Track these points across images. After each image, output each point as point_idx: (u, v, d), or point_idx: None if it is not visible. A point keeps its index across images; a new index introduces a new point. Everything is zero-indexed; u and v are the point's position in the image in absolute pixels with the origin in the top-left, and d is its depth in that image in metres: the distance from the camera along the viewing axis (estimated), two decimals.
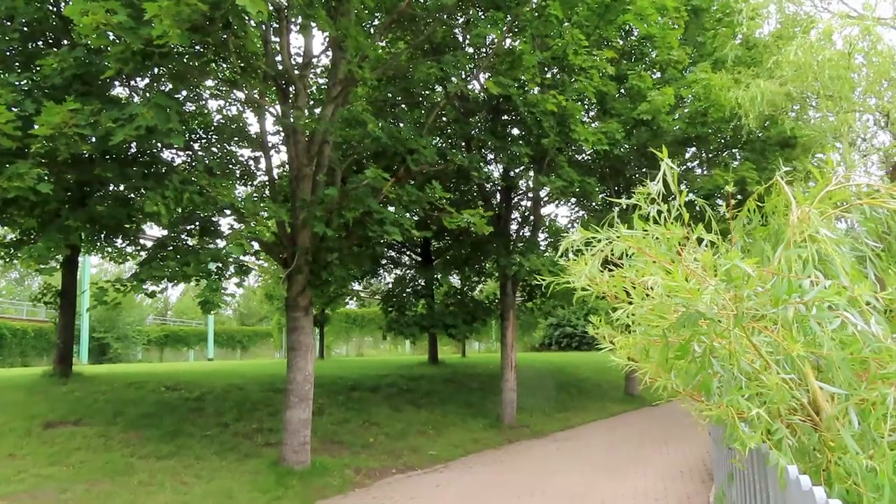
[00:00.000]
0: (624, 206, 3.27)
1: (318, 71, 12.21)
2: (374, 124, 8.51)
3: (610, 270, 2.79)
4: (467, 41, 11.52)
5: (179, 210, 7.97)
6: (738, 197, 12.29)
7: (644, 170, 16.08)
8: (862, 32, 11.96)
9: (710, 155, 17.22)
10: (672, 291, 2.33)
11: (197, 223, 9.06)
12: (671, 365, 2.48)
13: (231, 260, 8.46)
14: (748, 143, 15.10)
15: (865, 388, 2.20)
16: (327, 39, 9.81)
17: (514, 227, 14.20)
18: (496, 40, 10.22)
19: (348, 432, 11.65)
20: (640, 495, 8.25)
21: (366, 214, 8.67)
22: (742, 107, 12.45)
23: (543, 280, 2.99)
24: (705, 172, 16.46)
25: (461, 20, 10.87)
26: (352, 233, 9.44)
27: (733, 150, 16.59)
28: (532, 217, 14.30)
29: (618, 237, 2.54)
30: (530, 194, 14.26)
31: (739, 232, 3.53)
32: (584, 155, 14.53)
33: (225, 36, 7.33)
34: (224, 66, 9.48)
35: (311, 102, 11.54)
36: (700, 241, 2.74)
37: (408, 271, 17.85)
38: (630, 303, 2.48)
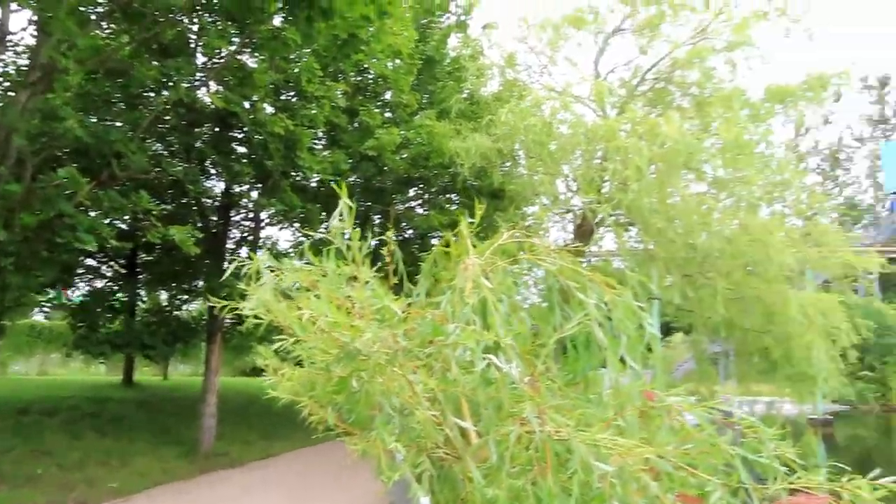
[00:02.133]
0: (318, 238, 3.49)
1: (20, 50, 10.85)
2: (76, 120, 7.82)
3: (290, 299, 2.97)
4: (199, 49, 11.16)
5: None
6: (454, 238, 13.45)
7: (369, 203, 16.83)
8: (561, 106, 14.02)
9: (431, 196, 18.61)
10: (334, 327, 2.58)
11: None
12: (329, 399, 2.72)
13: None
14: (464, 189, 16.65)
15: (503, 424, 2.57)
16: (31, 18, 8.81)
17: (232, 246, 13.86)
18: (228, 53, 10.07)
19: (11, 462, 10.25)
20: None
21: (57, 218, 7.88)
22: (459, 155, 13.80)
23: (227, 304, 3.06)
24: (426, 212, 17.74)
25: (196, 26, 10.51)
26: (38, 236, 8.49)
27: (451, 195, 18.13)
28: (252, 238, 14.13)
29: (286, 269, 2.75)
30: (251, 214, 14.10)
31: (426, 275, 3.93)
32: (311, 181, 14.80)
33: None
34: None
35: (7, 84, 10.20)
36: (369, 279, 3.05)
37: (109, 284, 16.35)
38: (292, 335, 2.69)
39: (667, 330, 26.15)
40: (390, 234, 3.53)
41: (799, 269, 14.29)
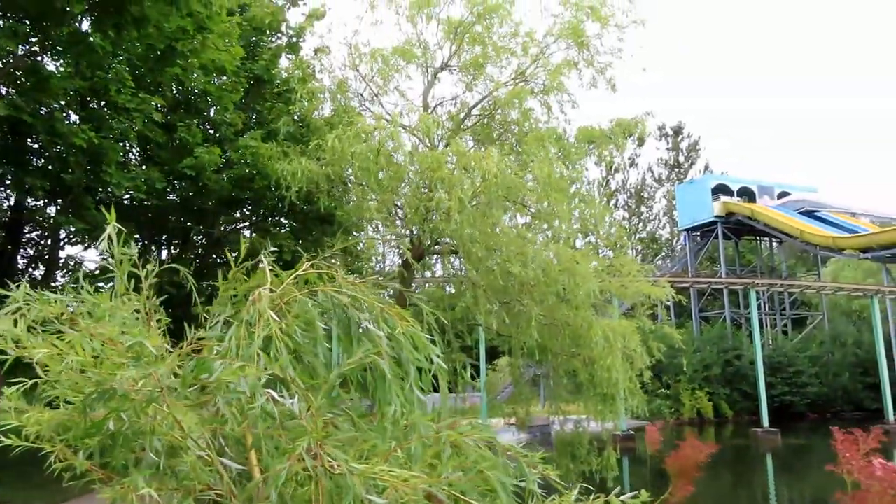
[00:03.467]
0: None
1: None
2: None
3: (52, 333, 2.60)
4: None
5: None
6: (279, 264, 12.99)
7: (189, 223, 15.87)
8: (389, 135, 14.09)
9: (259, 219, 17.94)
10: (84, 365, 2.28)
11: None
12: (83, 443, 2.40)
13: None
14: (292, 213, 16.21)
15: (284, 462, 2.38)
16: None
17: (22, 264, 12.41)
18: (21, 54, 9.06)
19: None
20: None
21: None
22: (286, 178, 13.40)
23: None
24: (252, 235, 17.05)
25: None
26: None
27: (279, 219, 17.60)
28: (48, 257, 12.75)
29: (37, 300, 2.40)
30: (47, 233, 12.75)
31: (223, 304, 3.64)
32: (124, 199, 13.71)
33: None
34: None
35: None
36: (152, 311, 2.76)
37: None
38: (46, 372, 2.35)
39: (493, 354, 27.07)
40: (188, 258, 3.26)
41: (606, 298, 15.39)
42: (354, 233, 16.46)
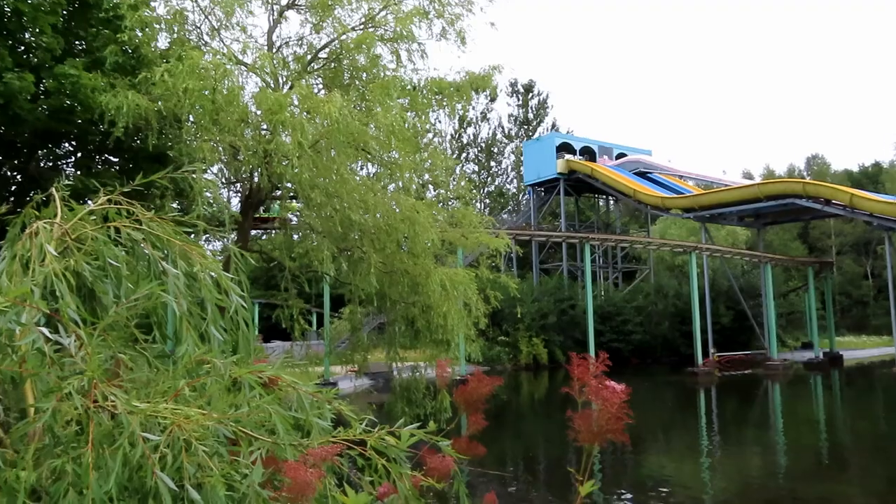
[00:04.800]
0: None
1: None
2: None
3: None
4: None
5: None
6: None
7: (1, 158, 14.41)
8: (227, 73, 13.43)
9: (83, 156, 16.57)
10: None
11: None
12: None
13: None
14: (119, 151, 15.11)
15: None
16: None
17: None
18: None
19: None
20: None
21: None
22: (111, 113, 12.43)
23: None
24: (77, 173, 15.75)
25: None
26: None
27: (108, 155, 16.34)
28: None
29: None
30: None
31: (12, 240, 3.42)
32: None
33: None
34: None
35: None
36: None
37: None
38: None
39: (342, 303, 27.13)
40: None
41: (449, 248, 15.88)
42: (189, 174, 15.65)
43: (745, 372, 39.84)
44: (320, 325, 32.76)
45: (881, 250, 55.10)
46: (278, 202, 13.61)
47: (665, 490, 13.46)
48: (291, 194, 13.46)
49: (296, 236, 15.77)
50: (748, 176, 75.85)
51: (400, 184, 13.28)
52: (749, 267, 52.48)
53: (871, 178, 74.78)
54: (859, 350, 52.11)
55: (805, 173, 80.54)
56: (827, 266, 50.76)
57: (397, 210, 12.17)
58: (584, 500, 1.75)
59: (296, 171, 10.71)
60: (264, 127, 13.24)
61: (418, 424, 2.41)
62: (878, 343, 54.60)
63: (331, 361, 24.05)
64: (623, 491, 13.84)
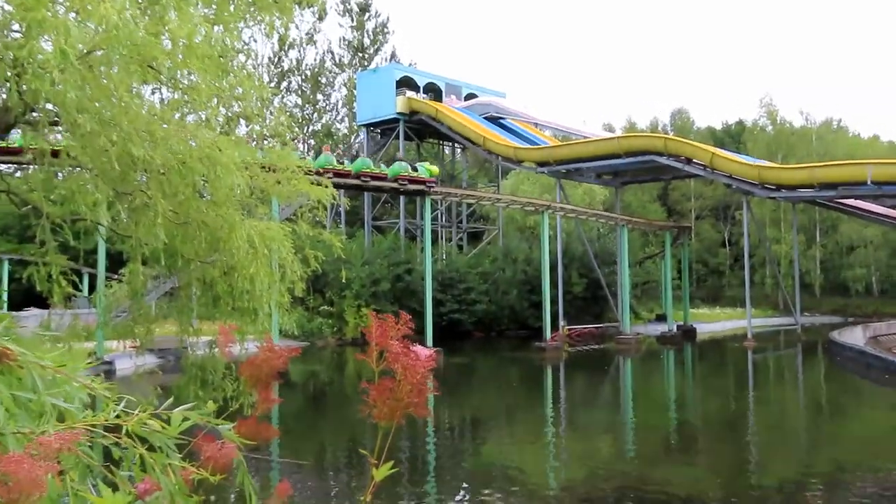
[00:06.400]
0: None
1: None
2: None
3: None
4: None
5: None
6: None
7: None
8: None
9: None
10: None
11: None
12: None
13: None
14: None
15: None
16: None
17: None
18: None
19: None
20: None
21: None
22: None
23: None
24: None
25: None
26: None
27: None
28: None
29: None
30: None
31: None
32: None
33: None
34: None
35: None
36: None
37: None
38: None
39: (119, 261, 25.49)
40: None
41: (260, 196, 15.41)
42: None
43: (597, 347, 42.81)
44: (93, 289, 30.83)
45: (739, 216, 60.82)
46: (33, 128, 12.44)
47: (505, 480, 14.20)
48: (54, 119, 12.39)
49: (61, 175, 14.58)
50: (609, 129, 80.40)
51: (203, 115, 12.65)
52: (605, 230, 56.03)
53: (733, 136, 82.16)
54: (713, 323, 57.55)
55: (669, 129, 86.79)
56: (685, 231, 55.33)
57: (195, 146, 11.58)
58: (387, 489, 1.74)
59: (58, 87, 9.82)
60: (15, 27, 12.05)
61: (189, 405, 2.30)
62: (731, 315, 60.54)
63: (106, 335, 22.68)
64: (460, 482, 14.43)
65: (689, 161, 42.35)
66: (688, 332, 48.99)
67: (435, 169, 39.16)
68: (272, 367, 2.01)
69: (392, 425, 1.60)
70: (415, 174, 35.77)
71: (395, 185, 35.44)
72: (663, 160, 43.04)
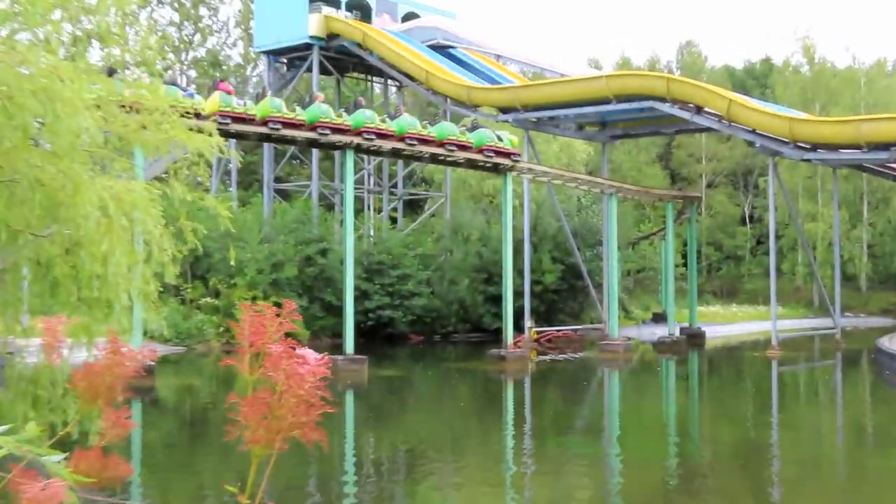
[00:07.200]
0: None
1: None
2: None
3: None
4: None
5: None
6: None
7: None
8: None
9: None
10: None
11: None
12: None
13: None
14: None
15: None
16: None
17: None
18: None
19: None
20: None
21: None
22: None
23: None
24: None
25: None
26: None
27: None
28: None
29: None
30: None
31: None
32: None
33: None
34: None
35: None
36: None
37: None
38: None
39: None
40: None
41: (120, 147, 15.13)
42: None
43: (574, 356, 42.81)
44: None
45: (764, 184, 61.31)
46: None
47: None
48: None
49: None
50: (596, 66, 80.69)
51: (40, 34, 12.36)
52: (588, 200, 55.87)
53: (758, 78, 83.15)
54: (727, 325, 57.92)
55: (675, 68, 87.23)
56: (693, 203, 54.61)
57: (27, 75, 11.33)
58: None
59: None
60: None
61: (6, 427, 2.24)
62: (751, 315, 61.17)
63: None
64: None
65: (699, 110, 42.08)
66: (694, 337, 49.13)
67: (515, 139, 38.64)
68: (117, 375, 1.96)
69: (269, 453, 1.56)
70: (501, 145, 35.04)
71: (477, 156, 35.36)
72: (665, 107, 42.56)
